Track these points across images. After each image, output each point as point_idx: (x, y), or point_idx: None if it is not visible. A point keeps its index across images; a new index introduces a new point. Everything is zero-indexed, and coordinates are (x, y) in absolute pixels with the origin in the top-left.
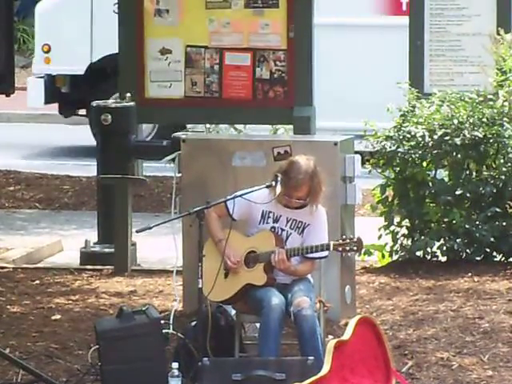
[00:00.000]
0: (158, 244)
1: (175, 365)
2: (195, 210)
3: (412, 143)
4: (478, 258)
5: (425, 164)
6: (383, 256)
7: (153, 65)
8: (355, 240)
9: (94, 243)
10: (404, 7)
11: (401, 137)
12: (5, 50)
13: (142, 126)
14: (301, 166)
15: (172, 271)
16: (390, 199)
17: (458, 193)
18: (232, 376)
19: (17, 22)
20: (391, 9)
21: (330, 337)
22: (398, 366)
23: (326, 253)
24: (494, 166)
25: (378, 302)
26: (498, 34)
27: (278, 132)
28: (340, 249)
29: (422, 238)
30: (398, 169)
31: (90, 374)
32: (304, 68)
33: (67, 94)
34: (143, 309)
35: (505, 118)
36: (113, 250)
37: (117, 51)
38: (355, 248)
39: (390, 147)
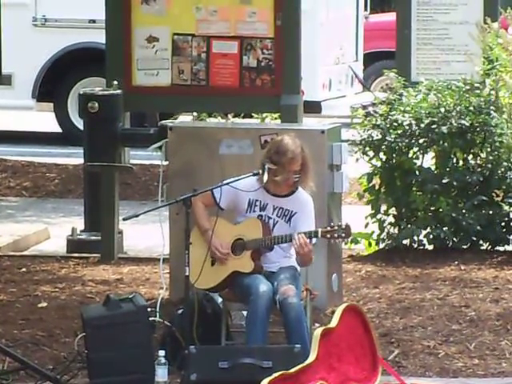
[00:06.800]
0: (144, 232)
1: (162, 352)
2: (182, 197)
3: (399, 132)
4: (465, 247)
5: (411, 152)
6: (370, 244)
7: (140, 53)
8: (343, 227)
9: (81, 231)
10: None
11: (388, 125)
12: None
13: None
14: (288, 140)
15: (159, 259)
16: (376, 187)
17: (444, 181)
18: (219, 364)
19: None
20: None
21: (317, 325)
22: (384, 354)
23: (314, 240)
24: (480, 154)
25: (365, 290)
26: (485, 22)
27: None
28: (328, 235)
29: (409, 226)
30: (385, 157)
31: (77, 362)
32: (291, 56)
33: None
34: (130, 296)
35: (491, 107)
36: (99, 237)
37: None
38: (343, 235)
39: (377, 135)
